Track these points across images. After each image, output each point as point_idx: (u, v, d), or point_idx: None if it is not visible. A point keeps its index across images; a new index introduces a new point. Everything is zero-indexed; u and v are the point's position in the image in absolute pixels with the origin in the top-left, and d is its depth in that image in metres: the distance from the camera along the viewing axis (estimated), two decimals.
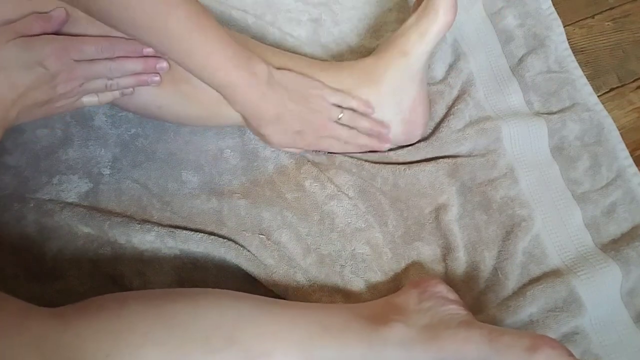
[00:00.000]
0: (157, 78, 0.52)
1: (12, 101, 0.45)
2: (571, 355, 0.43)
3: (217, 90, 0.50)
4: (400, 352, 0.46)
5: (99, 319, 0.41)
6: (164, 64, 0.52)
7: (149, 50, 0.51)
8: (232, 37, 0.49)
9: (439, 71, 0.70)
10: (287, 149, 0.61)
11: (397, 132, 0.62)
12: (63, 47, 0.47)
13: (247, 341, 0.43)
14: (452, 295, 0.52)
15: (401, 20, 0.72)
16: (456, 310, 0.49)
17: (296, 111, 0.55)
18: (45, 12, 0.46)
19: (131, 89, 0.53)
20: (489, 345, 0.44)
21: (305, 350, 0.45)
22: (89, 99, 0.52)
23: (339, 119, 0.58)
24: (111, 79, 0.51)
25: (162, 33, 0.44)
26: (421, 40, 0.58)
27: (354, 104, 0.59)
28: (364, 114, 0.59)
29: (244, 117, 0.55)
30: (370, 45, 0.71)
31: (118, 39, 0.50)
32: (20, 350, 0.37)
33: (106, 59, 0.50)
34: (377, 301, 0.54)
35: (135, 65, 0.51)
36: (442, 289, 0.52)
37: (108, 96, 0.53)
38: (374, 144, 0.62)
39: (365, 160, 0.63)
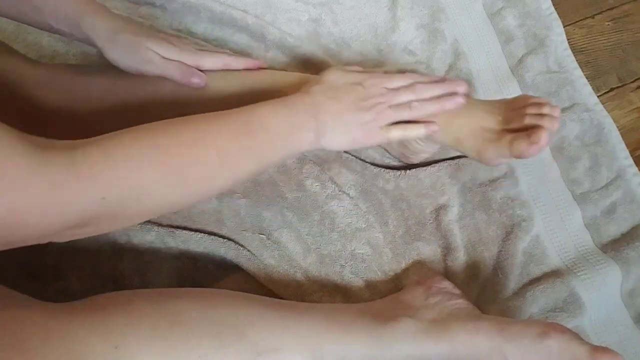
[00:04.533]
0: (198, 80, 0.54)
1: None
2: (581, 339, 0.43)
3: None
4: (411, 345, 0.46)
5: (106, 312, 0.41)
6: (203, 78, 0.53)
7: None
8: None
9: (439, 71, 0.70)
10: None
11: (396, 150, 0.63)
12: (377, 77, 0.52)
13: (257, 336, 0.43)
14: (457, 291, 0.53)
15: (399, 20, 0.72)
16: (463, 304, 0.50)
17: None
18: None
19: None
20: (499, 334, 0.44)
21: (315, 345, 0.45)
22: (394, 133, 0.52)
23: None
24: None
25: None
26: (453, 144, 0.55)
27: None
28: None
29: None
30: (370, 45, 0.71)
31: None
32: (26, 339, 0.37)
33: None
34: (383, 299, 0.54)
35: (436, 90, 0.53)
36: (448, 285, 0.53)
37: (413, 132, 0.54)
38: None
39: (370, 163, 0.63)
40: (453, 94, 0.53)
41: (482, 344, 0.45)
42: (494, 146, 0.51)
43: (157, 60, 0.51)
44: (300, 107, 0.49)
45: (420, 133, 0.53)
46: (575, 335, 0.43)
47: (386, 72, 0.55)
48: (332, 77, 0.52)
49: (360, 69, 0.54)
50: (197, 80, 0.53)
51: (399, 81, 0.53)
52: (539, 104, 0.51)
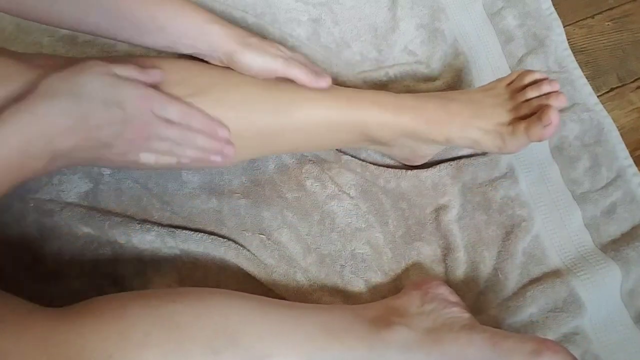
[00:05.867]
0: (219, 159, 0.51)
1: (74, 130, 0.41)
2: (574, 359, 0.43)
3: None
4: (402, 355, 0.46)
5: (102, 319, 0.41)
6: (231, 151, 0.51)
7: (224, 133, 0.51)
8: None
9: (438, 70, 0.70)
10: None
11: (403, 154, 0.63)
12: (147, 96, 0.46)
13: (248, 342, 0.43)
14: (453, 297, 0.52)
15: (399, 20, 0.72)
16: (458, 313, 0.49)
17: None
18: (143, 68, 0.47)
19: (188, 160, 0.51)
20: (491, 349, 0.44)
21: (306, 352, 0.45)
22: (146, 157, 0.49)
23: None
24: (179, 144, 0.49)
25: None
26: (471, 145, 0.56)
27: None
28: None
29: None
30: (370, 45, 0.71)
31: (200, 112, 0.50)
32: (25, 349, 0.37)
33: (181, 125, 0.48)
34: (378, 302, 0.53)
35: (205, 142, 0.50)
36: (444, 291, 0.52)
37: (166, 159, 0.50)
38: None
39: (370, 163, 0.63)
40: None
41: (474, 358, 0.44)
42: (512, 139, 0.53)
43: (281, 62, 0.52)
44: None
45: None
46: (569, 355, 0.43)
47: None
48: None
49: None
50: (324, 84, 0.53)
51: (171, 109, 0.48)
52: (537, 84, 0.54)
